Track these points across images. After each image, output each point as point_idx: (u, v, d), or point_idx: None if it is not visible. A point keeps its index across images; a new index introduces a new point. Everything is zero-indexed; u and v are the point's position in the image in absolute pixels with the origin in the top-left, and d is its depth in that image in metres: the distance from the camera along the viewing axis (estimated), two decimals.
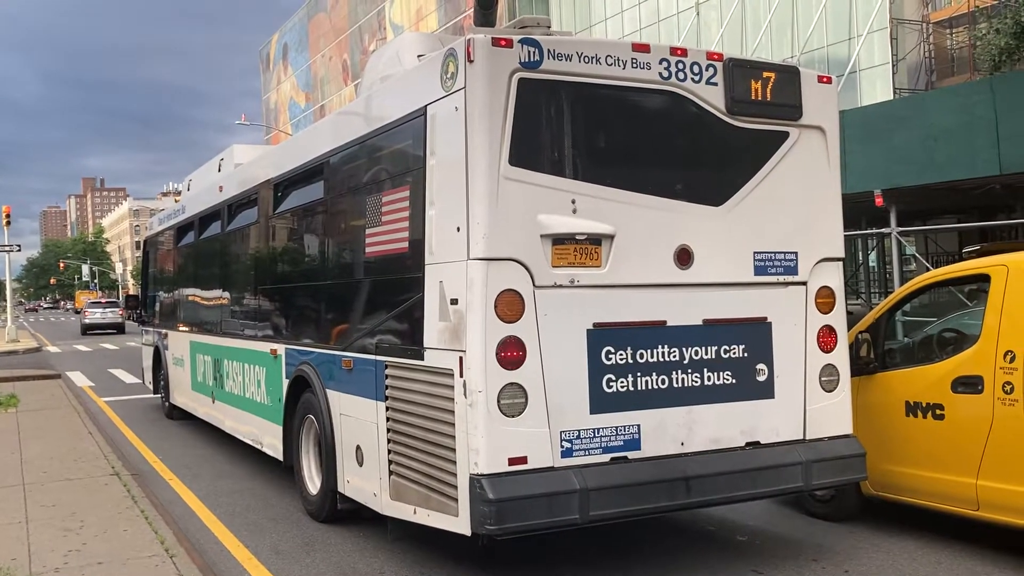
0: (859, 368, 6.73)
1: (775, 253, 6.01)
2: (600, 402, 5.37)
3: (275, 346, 8.57)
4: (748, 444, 5.83)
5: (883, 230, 18.50)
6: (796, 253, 6.08)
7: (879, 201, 16.02)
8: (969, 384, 6.01)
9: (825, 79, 6.30)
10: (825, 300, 6.16)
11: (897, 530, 6.74)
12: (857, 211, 21.35)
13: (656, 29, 43.16)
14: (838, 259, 6.29)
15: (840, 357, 6.21)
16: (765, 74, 5.95)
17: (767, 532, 6.91)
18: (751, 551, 6.46)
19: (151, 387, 15.16)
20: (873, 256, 31.54)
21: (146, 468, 9.86)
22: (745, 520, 7.21)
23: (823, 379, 6.12)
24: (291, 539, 6.97)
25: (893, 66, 31.92)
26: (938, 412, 6.19)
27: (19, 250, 41.29)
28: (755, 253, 5.94)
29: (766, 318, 5.97)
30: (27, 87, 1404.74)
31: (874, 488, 6.73)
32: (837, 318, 6.20)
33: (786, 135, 6.06)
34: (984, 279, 6.16)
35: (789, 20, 35.61)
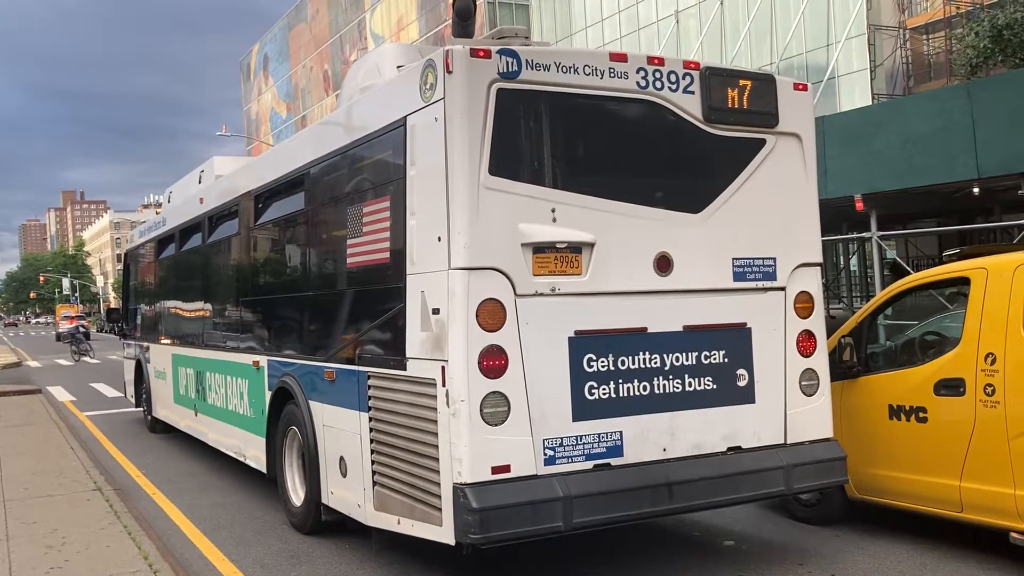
0: (842, 372, 6.77)
1: (754, 259, 6.05)
2: (582, 409, 5.39)
3: (257, 358, 8.53)
4: (730, 449, 5.85)
5: (864, 234, 18.61)
6: (774, 259, 6.12)
7: (859, 206, 16.11)
8: (951, 387, 6.05)
9: (801, 86, 6.34)
10: (804, 305, 6.21)
11: (882, 533, 6.77)
12: (838, 216, 21.49)
13: (636, 37, 43.39)
14: (816, 264, 6.33)
15: (820, 361, 6.24)
16: (741, 82, 5.99)
17: (753, 537, 6.92)
18: (737, 556, 6.47)
19: (133, 400, 15.03)
20: (854, 260, 31.75)
21: (129, 483, 9.77)
22: (731, 525, 7.22)
23: (803, 383, 6.16)
24: (276, 552, 6.92)
25: (871, 72, 32.23)
26: (921, 415, 6.23)
27: None
28: (734, 259, 5.98)
29: (746, 324, 6.01)
30: (8, 99, 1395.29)
31: (859, 491, 6.76)
32: (816, 323, 6.24)
33: (763, 142, 6.10)
34: (964, 282, 6.21)
35: (768, 27, 35.89)
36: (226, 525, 7.82)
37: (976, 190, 15.14)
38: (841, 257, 33.52)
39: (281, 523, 7.71)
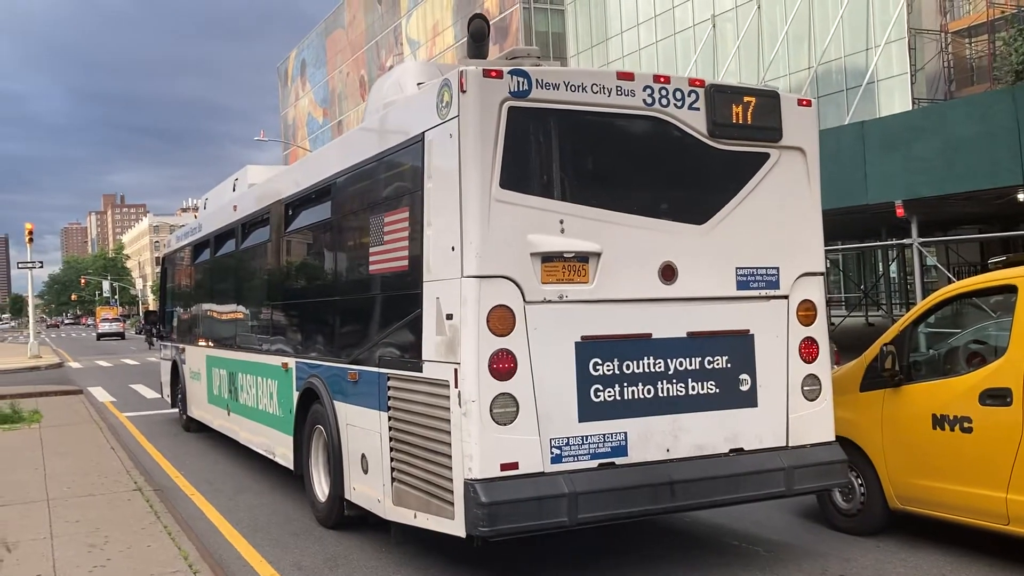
0: (884, 381, 6.67)
1: (757, 268, 6.24)
2: (588, 411, 5.61)
3: (286, 359, 8.82)
4: (732, 451, 6.04)
5: (904, 241, 18.37)
6: (778, 268, 6.31)
7: (900, 212, 15.93)
8: (997, 396, 5.93)
9: (805, 102, 6.50)
10: (807, 313, 6.38)
11: (925, 545, 6.66)
12: (877, 222, 21.23)
13: (672, 41, 43.22)
14: (819, 273, 6.52)
15: (822, 367, 6.40)
16: (746, 99, 6.19)
17: (792, 546, 6.83)
18: (776, 565, 6.39)
19: (169, 401, 15.36)
20: (894, 267, 31.33)
21: (168, 483, 9.90)
22: (769, 534, 7.15)
23: (805, 388, 6.33)
24: (313, 555, 6.96)
25: (911, 76, 31.78)
26: (966, 425, 6.12)
27: (41, 267, 41.74)
28: (737, 268, 6.17)
29: (748, 330, 6.19)
30: (53, 103, 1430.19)
31: (900, 502, 6.65)
32: (819, 330, 6.43)
33: (767, 156, 6.28)
34: (1011, 290, 6.09)
35: (806, 31, 35.56)
36: (263, 527, 7.89)
37: (1021, 196, 14.89)
38: (880, 263, 33.06)
39: (318, 526, 7.76)
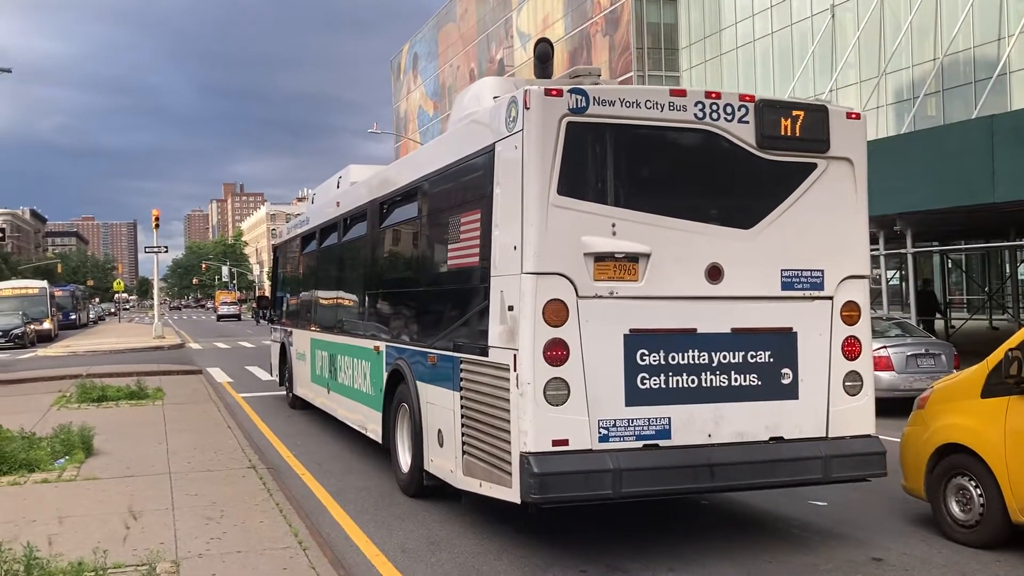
0: (1009, 387, 6.36)
1: (802, 271, 6.63)
2: (634, 396, 6.14)
3: (378, 343, 9.59)
4: (772, 439, 6.48)
5: None
6: (822, 271, 6.68)
7: None
8: None
9: (854, 115, 6.83)
10: (850, 313, 6.75)
11: None
12: (1005, 221, 20.19)
13: (788, 32, 42.06)
14: (864, 276, 6.85)
15: (864, 364, 6.76)
16: (795, 112, 6.57)
17: (905, 556, 6.58)
18: (890, 574, 6.18)
19: (277, 380, 16.31)
20: (1022, 269, 29.73)
21: (280, 462, 10.27)
22: (881, 540, 6.92)
23: (847, 384, 6.70)
24: (417, 538, 7.13)
25: None
26: None
27: (166, 251, 43.87)
28: (782, 270, 6.57)
29: (792, 328, 6.60)
30: (183, 97, 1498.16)
31: None
32: (862, 329, 6.79)
33: (814, 166, 6.66)
34: None
35: (932, 21, 34.03)
36: (369, 509, 8.11)
37: None
38: (1007, 265, 31.43)
39: (422, 510, 7.93)
